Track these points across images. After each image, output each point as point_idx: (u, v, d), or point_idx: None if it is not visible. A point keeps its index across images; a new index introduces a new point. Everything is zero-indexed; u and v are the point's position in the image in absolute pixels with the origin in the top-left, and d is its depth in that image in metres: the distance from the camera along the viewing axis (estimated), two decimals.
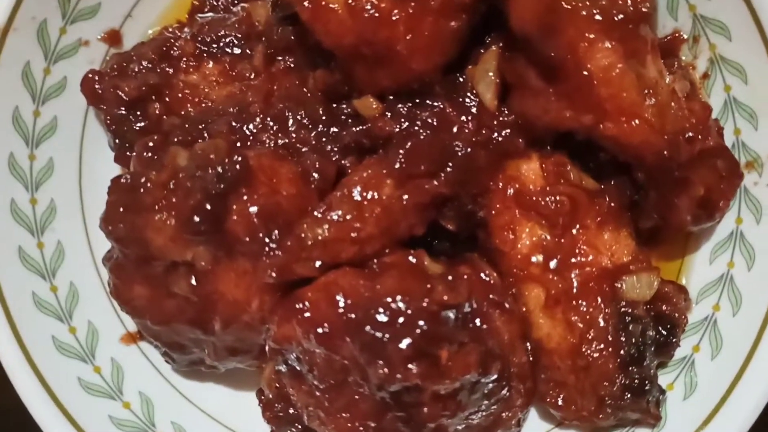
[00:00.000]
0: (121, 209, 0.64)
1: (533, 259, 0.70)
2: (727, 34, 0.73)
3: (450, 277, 0.64)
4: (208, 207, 0.62)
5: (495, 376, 0.64)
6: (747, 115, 0.73)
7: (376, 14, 0.65)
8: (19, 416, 0.69)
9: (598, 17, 0.64)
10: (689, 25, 0.76)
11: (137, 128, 0.73)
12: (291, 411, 0.69)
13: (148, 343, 0.76)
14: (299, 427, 0.70)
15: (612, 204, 0.73)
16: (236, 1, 0.81)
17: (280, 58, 0.76)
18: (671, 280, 0.74)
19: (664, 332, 0.70)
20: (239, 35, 0.77)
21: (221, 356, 0.70)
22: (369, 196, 0.68)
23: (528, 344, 0.70)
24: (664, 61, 0.77)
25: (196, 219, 0.62)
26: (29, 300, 0.71)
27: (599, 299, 0.68)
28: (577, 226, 0.71)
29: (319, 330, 0.62)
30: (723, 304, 0.72)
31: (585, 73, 0.65)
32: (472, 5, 0.66)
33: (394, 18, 0.64)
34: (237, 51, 0.77)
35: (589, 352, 0.68)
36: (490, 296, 0.67)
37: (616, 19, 0.65)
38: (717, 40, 0.74)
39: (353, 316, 0.62)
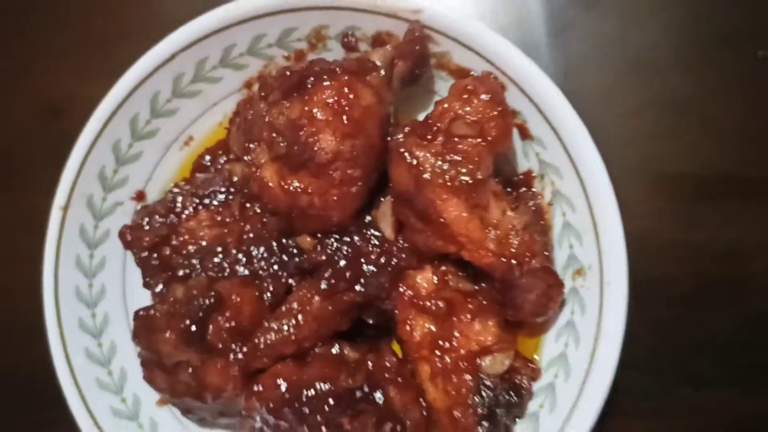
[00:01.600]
0: (142, 330, 0.98)
1: (423, 344, 0.98)
2: (560, 174, 0.96)
3: (353, 367, 0.95)
4: (194, 328, 0.95)
5: (388, 431, 0.95)
6: (576, 235, 0.96)
7: (298, 189, 0.94)
8: None
9: (447, 184, 0.92)
10: (537, 166, 0.99)
11: (155, 264, 1.07)
12: None
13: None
14: None
15: (483, 301, 0.98)
16: (223, 162, 1.14)
17: (249, 205, 1.07)
18: (524, 356, 1.00)
19: (514, 396, 0.97)
20: (223, 189, 1.09)
21: (216, 417, 1.03)
22: (303, 309, 0.99)
23: (424, 404, 1.00)
24: (521, 189, 1.04)
25: (187, 336, 0.95)
26: (94, 383, 1.04)
27: (465, 373, 0.95)
28: (454, 319, 0.97)
29: (269, 405, 0.94)
30: (560, 373, 0.96)
31: (442, 220, 0.92)
32: (363, 176, 0.94)
33: (309, 191, 0.93)
34: (222, 200, 1.09)
35: (456, 411, 0.95)
36: (386, 375, 0.96)
37: (458, 185, 0.93)
38: (554, 178, 0.98)
39: (288, 395, 0.92)
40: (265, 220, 1.04)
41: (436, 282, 1.00)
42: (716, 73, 1.13)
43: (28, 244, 1.08)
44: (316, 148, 0.92)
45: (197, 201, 1.08)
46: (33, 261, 1.06)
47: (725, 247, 1.10)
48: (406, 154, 0.93)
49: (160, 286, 1.01)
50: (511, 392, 0.97)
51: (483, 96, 0.94)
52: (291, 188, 0.95)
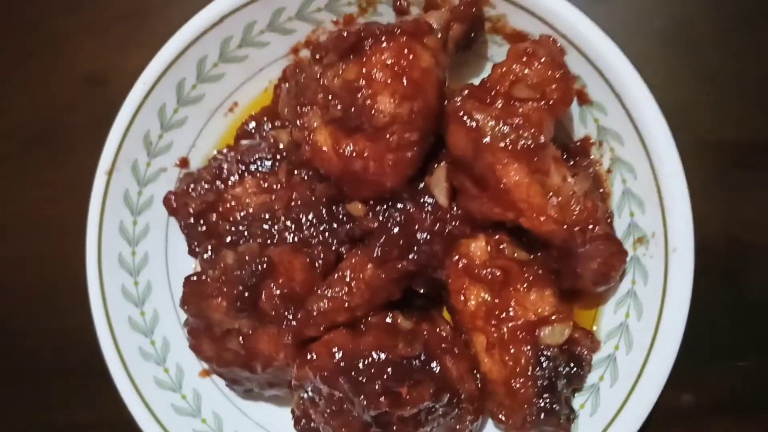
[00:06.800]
0: (191, 296, 0.96)
1: (478, 314, 0.96)
2: (620, 140, 0.94)
3: (409, 337, 0.92)
4: (246, 294, 0.93)
5: (445, 402, 0.91)
6: (637, 203, 0.94)
7: (353, 153, 0.91)
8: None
9: (508, 148, 0.89)
10: (595, 132, 0.97)
11: (202, 231, 1.04)
12: (312, 425, 0.97)
13: (217, 377, 1.06)
14: None
15: (539, 271, 0.96)
16: (268, 129, 1.11)
17: (296, 172, 1.05)
18: (582, 327, 0.97)
19: (575, 367, 0.95)
20: (269, 156, 1.07)
21: (264, 388, 1.01)
22: (356, 277, 0.97)
23: (478, 375, 0.98)
24: (578, 158, 1.02)
25: (239, 303, 0.93)
26: (137, 351, 1.02)
27: (523, 344, 0.93)
28: (510, 289, 0.94)
29: (323, 373, 0.91)
30: (621, 345, 0.94)
31: (502, 186, 0.90)
32: (420, 141, 0.92)
33: (365, 155, 0.90)
34: (268, 167, 1.06)
35: (515, 383, 0.93)
36: (443, 345, 0.94)
37: (519, 149, 0.90)
38: (614, 145, 0.95)
39: (344, 364, 0.90)
40: (313, 187, 1.01)
41: (490, 251, 0.97)
42: (756, 43, 1.12)
43: (71, 213, 1.06)
44: (373, 111, 0.89)
45: (243, 168, 1.05)
46: (76, 229, 1.04)
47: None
48: (466, 117, 0.90)
49: (207, 253, 0.98)
50: (571, 363, 0.94)
51: (543, 59, 0.91)
52: (345, 152, 0.92)
